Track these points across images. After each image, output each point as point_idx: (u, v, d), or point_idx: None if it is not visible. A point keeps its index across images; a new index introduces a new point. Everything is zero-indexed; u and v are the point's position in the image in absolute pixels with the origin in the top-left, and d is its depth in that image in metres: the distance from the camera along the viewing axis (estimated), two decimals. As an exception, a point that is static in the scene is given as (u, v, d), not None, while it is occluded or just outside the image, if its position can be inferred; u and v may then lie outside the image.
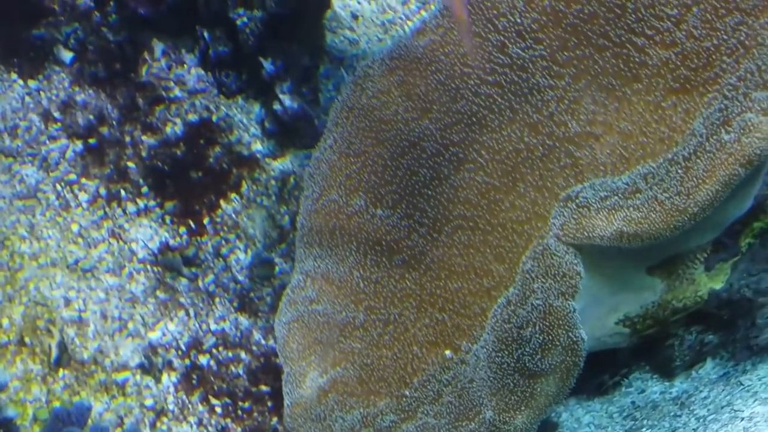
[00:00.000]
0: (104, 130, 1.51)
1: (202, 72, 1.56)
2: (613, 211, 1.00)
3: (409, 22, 1.73)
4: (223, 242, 1.42)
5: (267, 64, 1.49)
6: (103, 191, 1.46)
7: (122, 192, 1.46)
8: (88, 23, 1.58)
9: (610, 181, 1.04)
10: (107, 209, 1.44)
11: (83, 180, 1.47)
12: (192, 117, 1.52)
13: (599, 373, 1.22)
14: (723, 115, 1.01)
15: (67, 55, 1.57)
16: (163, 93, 1.54)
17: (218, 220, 1.44)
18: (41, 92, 1.54)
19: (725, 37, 1.10)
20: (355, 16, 1.74)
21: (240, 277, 1.40)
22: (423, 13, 1.75)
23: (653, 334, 1.15)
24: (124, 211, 1.44)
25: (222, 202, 1.45)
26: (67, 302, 1.36)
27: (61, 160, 1.48)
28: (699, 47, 1.12)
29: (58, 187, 1.46)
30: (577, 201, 1.02)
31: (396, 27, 1.72)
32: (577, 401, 1.22)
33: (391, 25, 1.73)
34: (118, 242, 1.42)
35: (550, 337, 0.99)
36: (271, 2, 1.46)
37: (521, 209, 1.18)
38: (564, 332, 0.99)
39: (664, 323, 1.14)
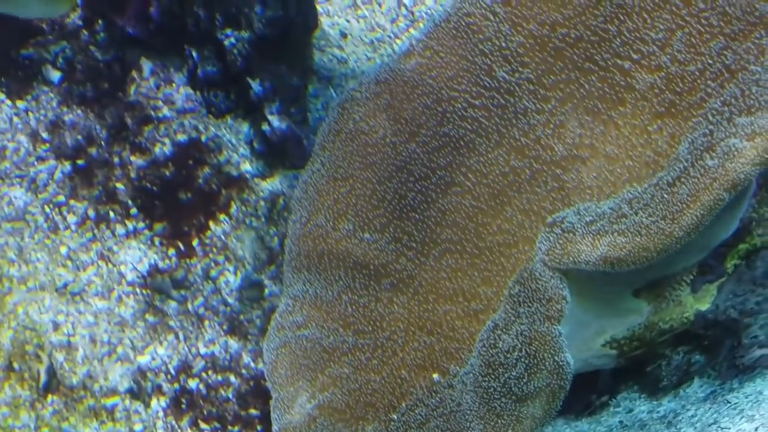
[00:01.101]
0: (93, 150, 1.51)
1: (191, 91, 1.56)
2: (599, 236, 1.01)
3: (398, 40, 1.74)
4: (213, 264, 1.43)
5: (255, 85, 1.49)
6: (91, 213, 1.46)
7: (111, 214, 1.46)
8: (76, 42, 1.58)
9: (595, 206, 1.05)
10: (96, 231, 1.45)
11: (72, 202, 1.47)
12: (181, 137, 1.52)
13: (587, 393, 1.22)
14: (707, 140, 1.02)
15: (55, 75, 1.57)
16: (152, 112, 1.55)
17: (207, 241, 1.44)
18: (29, 112, 1.54)
19: (710, 61, 1.11)
20: (343, 35, 1.74)
21: (229, 300, 1.41)
22: (412, 31, 1.76)
23: (640, 355, 1.16)
24: (113, 233, 1.45)
25: (211, 224, 1.45)
26: (56, 326, 1.36)
27: (49, 182, 1.48)
28: (684, 71, 1.13)
29: (47, 209, 1.46)
30: (562, 226, 1.03)
31: (385, 45, 1.73)
32: (565, 421, 1.23)
33: (379, 43, 1.74)
34: (107, 265, 1.42)
35: (536, 361, 1.00)
36: (259, 23, 1.46)
37: (508, 233, 1.19)
38: (550, 356, 1.00)
39: (651, 344, 1.15)
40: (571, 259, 1.01)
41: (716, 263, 1.14)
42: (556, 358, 1.00)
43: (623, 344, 1.14)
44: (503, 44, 1.20)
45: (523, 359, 0.99)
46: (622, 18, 1.16)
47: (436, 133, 1.21)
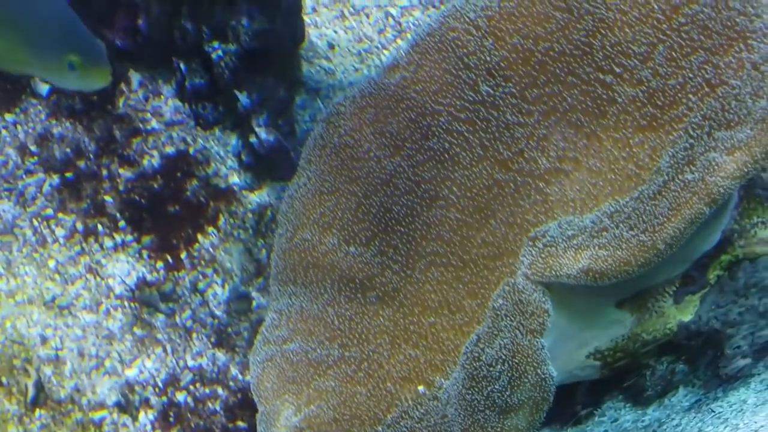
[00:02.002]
0: (81, 163, 1.51)
1: (179, 103, 1.57)
2: (580, 250, 1.02)
3: (385, 51, 1.75)
4: (201, 277, 1.43)
5: (243, 98, 1.50)
6: (80, 226, 1.46)
7: (99, 227, 1.46)
8: (65, 55, 1.58)
9: (577, 219, 1.06)
10: (84, 244, 1.45)
11: (60, 215, 1.47)
12: (169, 149, 1.53)
13: (572, 403, 1.23)
14: (688, 154, 1.03)
15: (43, 88, 1.57)
16: (140, 125, 1.55)
17: (195, 254, 1.45)
18: (18, 126, 1.54)
19: (690, 75, 1.12)
20: (331, 46, 1.75)
21: (217, 312, 1.41)
22: (399, 41, 1.77)
23: (624, 365, 1.17)
24: (101, 246, 1.45)
25: (199, 236, 1.46)
26: (44, 340, 1.37)
27: (38, 195, 1.48)
28: (665, 85, 1.14)
29: (35, 223, 1.46)
30: (544, 240, 1.04)
31: (372, 56, 1.74)
32: (550, 431, 1.24)
33: (367, 54, 1.74)
34: (95, 278, 1.42)
35: (519, 374, 1.01)
36: (246, 36, 1.47)
37: (493, 245, 1.20)
38: (532, 369, 1.01)
39: (635, 355, 1.16)
40: (553, 272, 1.02)
41: (699, 274, 1.15)
42: (538, 370, 1.01)
43: (607, 355, 1.15)
44: (487, 58, 1.21)
45: (506, 372, 1.00)
46: (604, 32, 1.17)
47: (421, 146, 1.22)
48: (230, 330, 1.40)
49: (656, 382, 1.19)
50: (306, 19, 1.75)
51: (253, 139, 1.50)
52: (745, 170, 1.01)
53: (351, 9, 1.80)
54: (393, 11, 1.80)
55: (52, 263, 1.43)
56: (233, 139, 1.55)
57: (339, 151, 1.23)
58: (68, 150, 1.52)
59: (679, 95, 1.12)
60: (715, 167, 1.00)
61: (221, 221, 1.48)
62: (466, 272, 1.20)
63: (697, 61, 1.11)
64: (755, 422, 1.06)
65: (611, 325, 1.13)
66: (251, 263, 1.45)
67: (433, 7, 1.80)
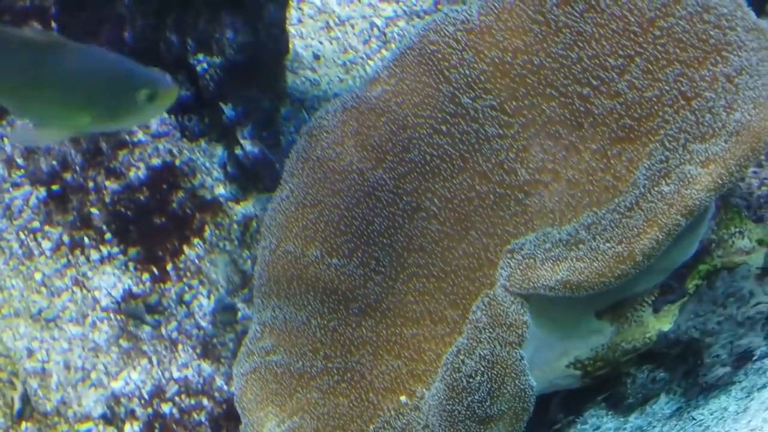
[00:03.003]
0: (67, 175, 1.52)
1: (165, 115, 1.58)
2: (558, 262, 1.03)
3: (370, 62, 1.76)
4: (186, 288, 1.44)
5: (227, 110, 1.51)
6: (66, 239, 1.47)
7: (85, 239, 1.47)
8: (52, 67, 1.59)
9: (555, 231, 1.07)
10: (70, 257, 1.46)
11: (46, 227, 1.48)
12: (155, 161, 1.54)
13: (553, 412, 1.24)
14: (664, 167, 1.05)
15: (31, 100, 1.58)
16: (127, 137, 1.56)
17: (181, 266, 1.46)
18: (4, 139, 1.55)
19: (666, 88, 1.13)
20: (316, 57, 1.76)
21: (203, 324, 1.42)
22: (384, 51, 1.78)
23: (605, 374, 1.18)
24: (87, 258, 1.46)
25: (185, 248, 1.47)
26: (30, 353, 1.38)
27: (24, 208, 1.49)
28: (642, 97, 1.15)
29: (22, 236, 1.47)
30: (522, 252, 1.05)
31: (357, 67, 1.75)
32: (533, 440, 1.25)
33: (352, 65, 1.76)
34: (81, 290, 1.43)
35: (498, 385, 1.02)
36: (230, 49, 1.48)
37: (473, 256, 1.21)
38: (511, 380, 1.02)
39: (615, 364, 1.17)
40: (531, 284, 1.04)
41: (677, 284, 1.17)
42: (517, 381, 1.02)
43: (587, 365, 1.16)
44: (466, 71, 1.23)
45: (485, 383, 1.02)
46: (581, 45, 1.19)
47: (403, 159, 1.23)
48: (216, 341, 1.41)
49: (637, 390, 1.20)
50: (291, 29, 1.76)
51: (238, 150, 1.51)
52: (720, 182, 1.02)
53: (336, 20, 1.82)
54: (378, 21, 1.82)
55: (38, 276, 1.44)
56: (219, 151, 1.56)
57: (321, 164, 1.24)
58: (54, 163, 1.53)
59: (656, 107, 1.14)
60: (690, 180, 1.01)
61: (207, 233, 1.49)
62: (447, 283, 1.22)
63: (673, 73, 1.13)
64: (736, 430, 1.07)
65: (591, 334, 1.14)
66: (237, 274, 1.46)
67: (418, 17, 1.82)
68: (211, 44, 1.50)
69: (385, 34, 1.80)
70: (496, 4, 1.24)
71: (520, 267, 1.04)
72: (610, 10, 1.17)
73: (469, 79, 1.23)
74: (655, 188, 1.03)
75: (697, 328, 1.16)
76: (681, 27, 1.14)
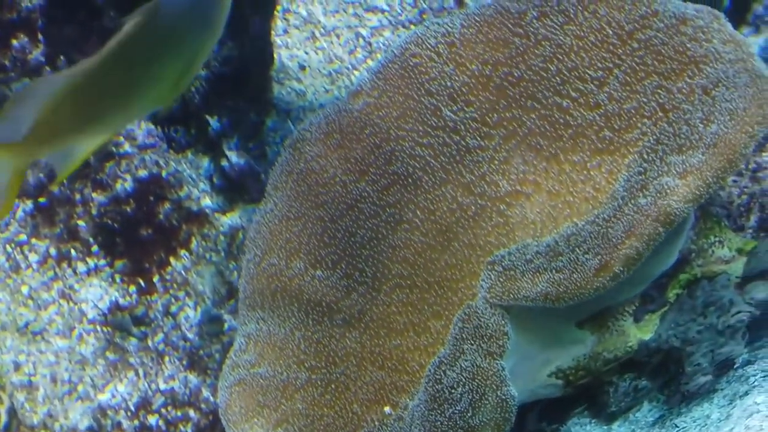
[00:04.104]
0: (54, 188, 1.53)
1: (152, 127, 1.58)
2: (538, 274, 1.04)
3: (355, 72, 1.77)
4: (173, 300, 1.45)
5: (213, 122, 1.52)
6: (53, 251, 1.48)
7: (72, 252, 1.48)
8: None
9: (535, 243, 1.08)
10: (57, 270, 1.46)
11: (33, 240, 1.48)
12: (142, 173, 1.54)
13: (536, 421, 1.25)
14: (642, 179, 1.06)
15: (18, 113, 1.58)
16: (114, 148, 1.57)
17: (168, 277, 1.46)
18: (-10, 151, 1.55)
19: (644, 99, 1.14)
20: (302, 67, 1.77)
21: (189, 335, 1.43)
22: (369, 61, 1.79)
23: (587, 383, 1.19)
24: (74, 271, 1.47)
25: (172, 259, 1.48)
26: (17, 366, 1.38)
27: (11, 221, 1.50)
28: (621, 109, 1.16)
29: (9, 249, 1.47)
30: (503, 264, 1.06)
31: (343, 77, 1.76)
32: (517, 449, 1.25)
33: (337, 75, 1.77)
34: (68, 303, 1.44)
35: (480, 396, 1.03)
36: (215, 62, 1.49)
37: (456, 267, 1.22)
38: (493, 391, 1.03)
39: (597, 373, 1.18)
40: (511, 296, 1.05)
41: (658, 294, 1.18)
42: (498, 392, 1.03)
43: (569, 374, 1.17)
44: (448, 84, 1.24)
45: (467, 394, 1.03)
46: (561, 57, 1.20)
47: (385, 171, 1.25)
48: (202, 352, 1.42)
49: (620, 398, 1.21)
50: (277, 40, 1.77)
51: (224, 162, 1.52)
52: (698, 193, 1.03)
53: (322, 30, 1.83)
54: (363, 32, 1.83)
55: (25, 289, 1.45)
56: (205, 162, 1.57)
57: (305, 176, 1.25)
58: (41, 175, 1.53)
59: (634, 119, 1.15)
60: (668, 191, 1.02)
61: (193, 244, 1.49)
62: (430, 294, 1.23)
63: (651, 85, 1.14)
64: (718, 437, 1.09)
65: (572, 344, 1.15)
66: (223, 285, 1.47)
67: (403, 27, 1.83)
68: (197, 57, 1.51)
69: (370, 44, 1.81)
70: (477, 17, 1.25)
71: (501, 279, 1.05)
72: (589, 22, 1.19)
73: (451, 92, 1.24)
74: (634, 200, 1.04)
75: (678, 337, 1.17)
76: (659, 39, 1.15)
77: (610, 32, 1.17)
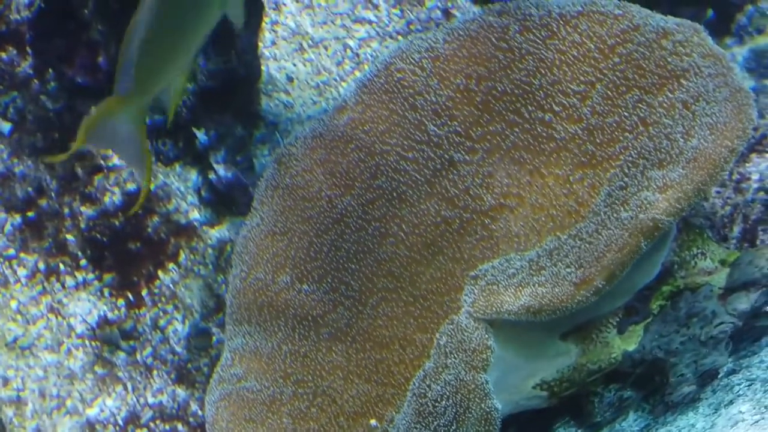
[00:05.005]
0: (43, 202, 1.53)
1: (140, 140, 1.59)
2: (521, 287, 1.05)
3: (343, 83, 1.78)
4: (161, 314, 1.45)
5: (200, 135, 1.53)
6: (42, 265, 1.48)
7: (61, 266, 1.48)
8: (27, 92, 1.60)
9: (517, 257, 1.09)
10: (46, 284, 1.47)
11: (22, 254, 1.49)
12: (130, 186, 1.55)
13: (522, 430, 1.26)
14: (623, 193, 1.07)
15: (5, 126, 1.59)
16: (102, 162, 1.57)
17: (156, 291, 1.47)
18: (-20, 167, 1.56)
19: (626, 114, 1.15)
20: (290, 79, 1.78)
21: (178, 349, 1.43)
22: (357, 73, 1.80)
23: (572, 394, 1.20)
24: (62, 285, 1.47)
25: (160, 273, 1.48)
26: (6, 382, 1.39)
27: None
28: (603, 123, 1.17)
29: (-2, 263, 1.48)
30: (486, 278, 1.07)
31: (331, 89, 1.77)
32: (503, 459, 1.26)
33: (325, 86, 1.77)
34: (56, 318, 1.45)
35: (463, 409, 1.04)
36: (202, 76, 1.50)
37: (441, 281, 1.23)
38: (476, 404, 1.04)
39: (582, 384, 1.19)
40: (494, 310, 1.05)
41: (641, 305, 1.19)
42: (482, 405, 1.04)
43: (553, 385, 1.17)
44: (432, 98, 1.25)
45: (451, 408, 1.03)
46: (543, 72, 1.21)
47: (370, 185, 1.25)
48: (190, 366, 1.42)
49: (605, 408, 1.22)
50: (265, 52, 1.78)
51: (211, 175, 1.53)
52: (679, 207, 1.04)
53: (310, 41, 1.83)
54: (351, 43, 1.83)
55: (14, 304, 1.45)
56: (193, 175, 1.57)
57: (291, 191, 1.26)
58: (30, 189, 1.54)
59: (616, 133, 1.16)
60: (649, 206, 1.03)
61: (182, 257, 1.50)
62: (416, 307, 1.23)
63: (632, 99, 1.15)
64: (703, 446, 1.10)
65: (556, 356, 1.16)
66: (211, 299, 1.47)
67: (391, 38, 1.84)
68: (184, 70, 1.52)
69: (358, 55, 1.82)
70: (461, 32, 1.26)
71: (484, 293, 1.06)
72: (571, 37, 1.20)
73: (435, 106, 1.25)
74: (615, 214, 1.05)
75: (662, 348, 1.18)
76: (640, 53, 1.16)
77: (592, 46, 1.18)
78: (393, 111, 1.25)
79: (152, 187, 1.55)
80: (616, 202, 1.06)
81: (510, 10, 1.24)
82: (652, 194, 1.04)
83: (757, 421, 1.13)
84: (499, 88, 1.23)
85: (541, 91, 1.21)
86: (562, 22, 1.21)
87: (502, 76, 1.23)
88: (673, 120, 1.09)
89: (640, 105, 1.14)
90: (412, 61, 1.26)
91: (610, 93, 1.17)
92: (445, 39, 1.26)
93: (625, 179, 1.07)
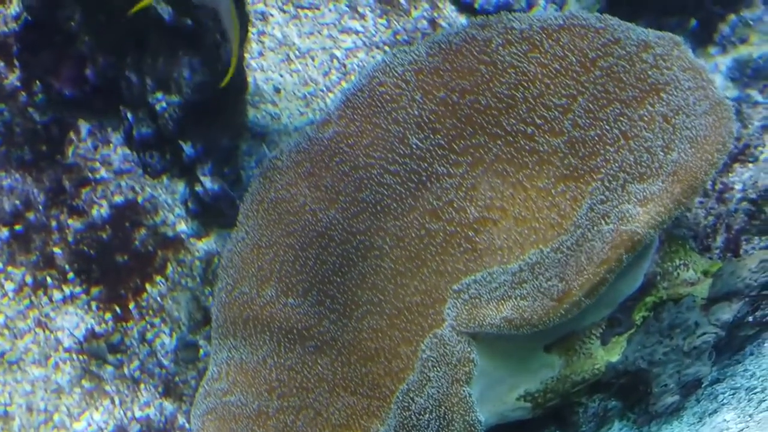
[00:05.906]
0: (30, 215, 1.54)
1: (128, 151, 1.59)
2: (503, 301, 1.06)
3: (330, 94, 1.78)
4: (149, 327, 1.46)
5: (187, 148, 1.53)
6: (29, 279, 1.48)
7: (48, 279, 1.49)
8: (15, 104, 1.61)
9: (500, 271, 1.10)
10: (33, 298, 1.47)
11: (10, 268, 1.49)
12: (118, 198, 1.55)
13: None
14: (604, 207, 1.08)
15: (-6, 140, 1.59)
16: (90, 174, 1.57)
17: (144, 304, 1.47)
18: (-29, 180, 1.56)
19: (607, 127, 1.16)
20: (277, 90, 1.78)
21: (165, 362, 1.44)
22: (344, 83, 1.80)
23: (556, 405, 1.21)
24: (50, 299, 1.47)
25: (147, 286, 1.49)
26: (-7, 397, 1.39)
27: (-13, 250, 1.51)
28: (585, 136, 1.18)
29: (-15, 278, 1.48)
30: (469, 292, 1.08)
31: (317, 99, 1.77)
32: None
33: (312, 97, 1.78)
34: (44, 332, 1.45)
35: (447, 422, 1.04)
36: (188, 89, 1.50)
37: (425, 293, 1.24)
38: (460, 417, 1.05)
39: (566, 395, 1.20)
40: (477, 323, 1.06)
41: (624, 317, 1.19)
42: (465, 417, 1.05)
43: (537, 397, 1.18)
44: (415, 112, 1.25)
45: (434, 421, 1.04)
46: (526, 85, 1.21)
47: (355, 199, 1.26)
48: (178, 379, 1.42)
49: (590, 418, 1.22)
50: (252, 63, 1.78)
51: (198, 188, 1.53)
52: (659, 220, 1.05)
53: (296, 52, 1.84)
54: (338, 53, 1.84)
55: (1, 318, 1.45)
56: (181, 187, 1.57)
57: (276, 205, 1.26)
58: (17, 202, 1.54)
59: (598, 146, 1.17)
60: (629, 218, 1.04)
61: (169, 270, 1.50)
62: (400, 320, 1.24)
63: (613, 113, 1.16)
64: (687, 454, 1.10)
65: (540, 368, 1.17)
66: (199, 311, 1.48)
67: (377, 48, 1.84)
68: (170, 83, 1.52)
69: (344, 66, 1.82)
70: (444, 45, 1.27)
71: (466, 307, 1.06)
72: (553, 50, 1.20)
73: (418, 120, 1.25)
74: (596, 227, 1.05)
75: (645, 359, 1.19)
76: (620, 66, 1.17)
77: (574, 60, 1.19)
78: (377, 125, 1.26)
79: (139, 199, 1.55)
80: (598, 215, 1.06)
81: (493, 24, 1.25)
82: (633, 207, 1.04)
83: (741, 430, 1.14)
84: (482, 102, 1.23)
85: (523, 105, 1.21)
86: (544, 35, 1.22)
87: (485, 89, 1.23)
88: (653, 133, 1.10)
89: (621, 118, 1.14)
90: (396, 74, 1.26)
91: (591, 106, 1.17)
92: (428, 52, 1.27)
93: (606, 193, 1.08)
